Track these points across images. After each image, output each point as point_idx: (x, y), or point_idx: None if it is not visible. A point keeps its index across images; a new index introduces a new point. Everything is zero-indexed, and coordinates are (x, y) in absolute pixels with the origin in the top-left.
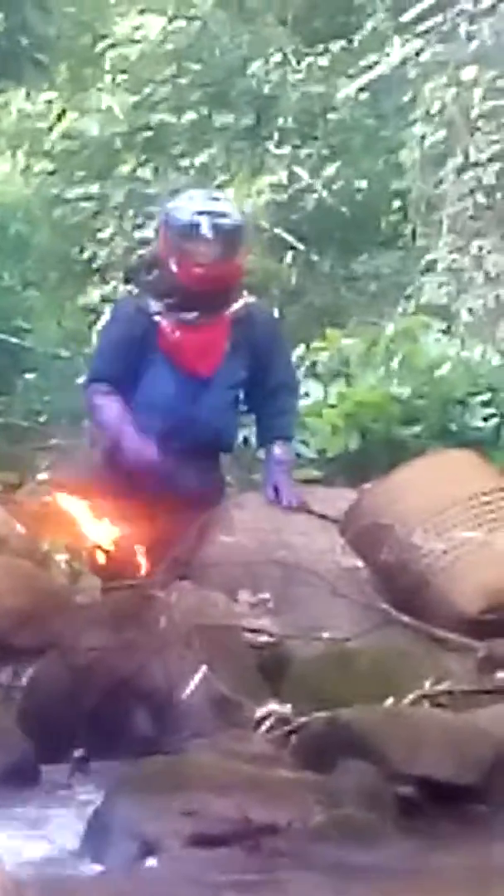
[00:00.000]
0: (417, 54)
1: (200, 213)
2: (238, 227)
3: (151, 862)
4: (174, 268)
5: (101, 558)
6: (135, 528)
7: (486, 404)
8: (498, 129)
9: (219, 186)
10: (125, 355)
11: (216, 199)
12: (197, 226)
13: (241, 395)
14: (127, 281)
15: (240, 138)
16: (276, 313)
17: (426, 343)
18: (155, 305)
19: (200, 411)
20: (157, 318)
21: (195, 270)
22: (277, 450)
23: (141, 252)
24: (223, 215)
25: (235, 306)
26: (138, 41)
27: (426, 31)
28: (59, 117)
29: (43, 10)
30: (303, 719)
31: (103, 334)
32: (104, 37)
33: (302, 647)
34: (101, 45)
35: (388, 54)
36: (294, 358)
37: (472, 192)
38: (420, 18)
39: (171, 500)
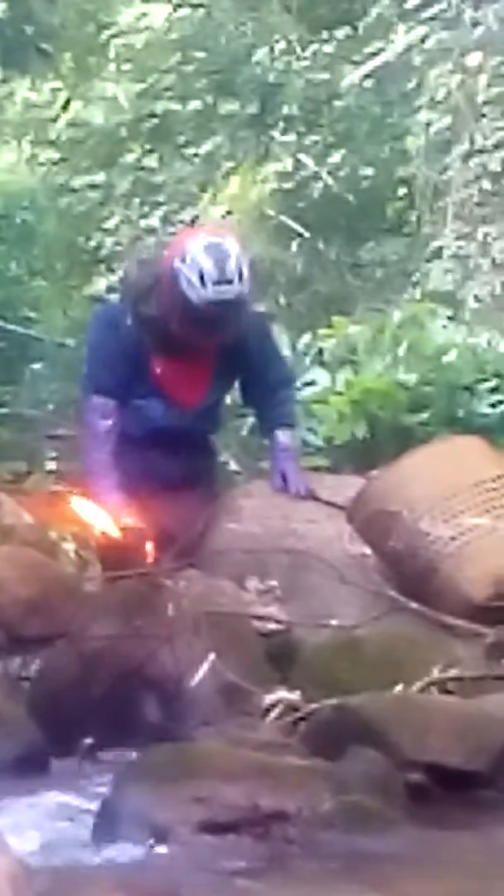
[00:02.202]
0: (422, 41)
1: (210, 302)
2: (245, 300)
3: (161, 849)
4: (172, 325)
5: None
6: (137, 517)
7: (493, 391)
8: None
9: (224, 175)
10: (122, 370)
11: (230, 280)
12: (205, 313)
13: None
14: (122, 299)
15: (245, 126)
16: (280, 301)
17: (433, 330)
18: (146, 338)
19: (189, 427)
20: (145, 351)
21: (193, 338)
22: (281, 437)
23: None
24: (234, 303)
25: None
26: (143, 30)
27: (431, 18)
28: (64, 106)
29: (47, 0)
30: (311, 707)
31: (100, 340)
32: (109, 25)
33: (310, 634)
34: (105, 34)
35: (392, 41)
36: (300, 346)
37: (477, 178)
38: (424, 5)
39: (162, 486)
